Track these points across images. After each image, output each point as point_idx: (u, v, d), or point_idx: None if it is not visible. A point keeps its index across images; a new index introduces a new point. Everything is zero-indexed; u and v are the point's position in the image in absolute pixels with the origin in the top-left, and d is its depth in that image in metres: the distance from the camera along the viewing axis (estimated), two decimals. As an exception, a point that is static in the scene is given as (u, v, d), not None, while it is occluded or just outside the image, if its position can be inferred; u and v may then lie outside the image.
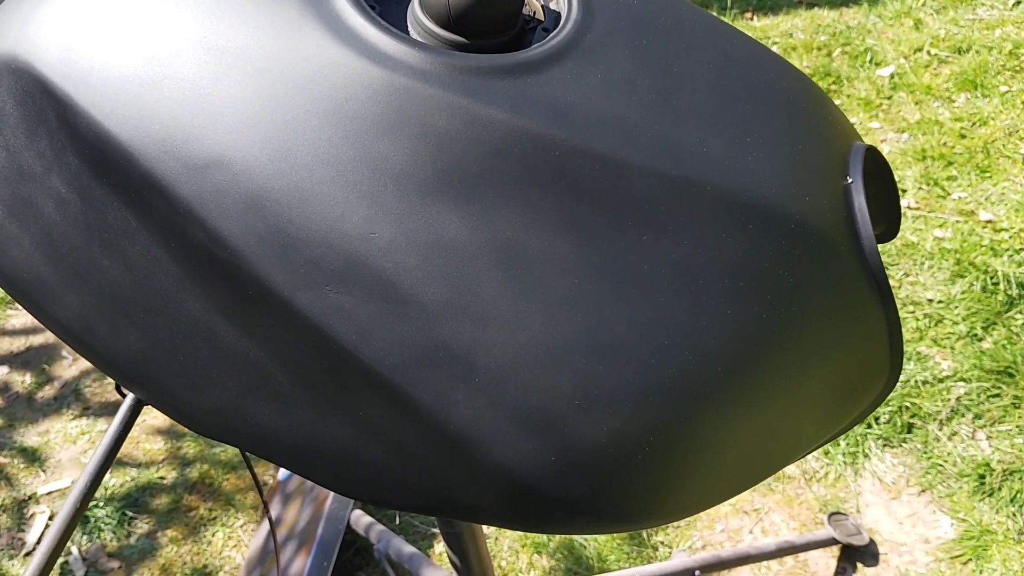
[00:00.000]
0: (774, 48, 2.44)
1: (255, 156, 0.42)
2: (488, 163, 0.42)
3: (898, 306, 1.70)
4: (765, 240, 0.45)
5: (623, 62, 0.46)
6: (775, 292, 0.45)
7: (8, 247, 0.49)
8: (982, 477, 1.43)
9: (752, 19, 2.59)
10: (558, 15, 0.48)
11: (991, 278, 1.69)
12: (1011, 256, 1.73)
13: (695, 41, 0.49)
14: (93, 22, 0.45)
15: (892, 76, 2.28)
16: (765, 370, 0.46)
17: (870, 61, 2.33)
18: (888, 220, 0.58)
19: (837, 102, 2.23)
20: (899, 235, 0.58)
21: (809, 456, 1.49)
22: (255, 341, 0.44)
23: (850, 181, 0.49)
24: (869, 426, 1.51)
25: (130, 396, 0.59)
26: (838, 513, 1.41)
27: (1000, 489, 1.41)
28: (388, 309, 0.41)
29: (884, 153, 2.06)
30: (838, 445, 1.49)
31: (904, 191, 1.93)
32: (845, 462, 1.49)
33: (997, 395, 1.53)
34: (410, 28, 0.47)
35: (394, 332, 0.41)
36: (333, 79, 0.42)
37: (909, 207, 1.89)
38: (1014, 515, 1.38)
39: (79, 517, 0.53)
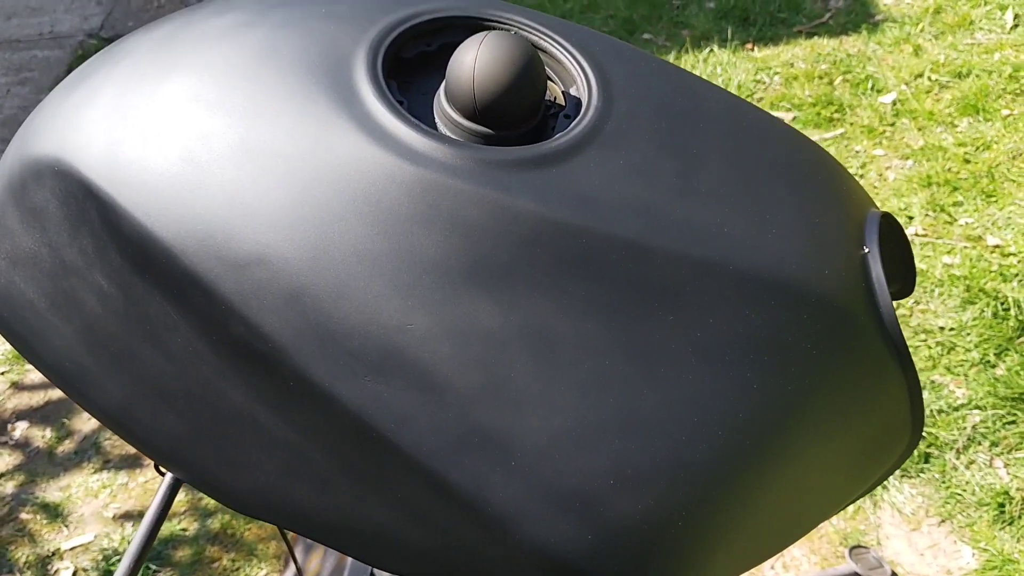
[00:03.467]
0: (776, 77, 2.47)
1: (294, 253, 0.43)
2: (518, 253, 0.44)
3: (910, 335, 1.71)
4: (787, 315, 0.47)
5: (644, 146, 0.48)
6: (799, 364, 0.46)
7: (51, 338, 0.50)
8: (1001, 506, 1.43)
9: (753, 50, 2.62)
10: (578, 101, 0.50)
11: (1002, 304, 1.70)
12: (1021, 281, 1.73)
13: (712, 120, 0.51)
14: (133, 125, 0.47)
15: (894, 103, 2.30)
16: (793, 440, 0.47)
17: (871, 88, 2.35)
18: (902, 277, 0.60)
19: (840, 130, 2.25)
20: (916, 278, 0.59)
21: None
22: (295, 428, 0.45)
23: (867, 251, 0.50)
24: (886, 457, 1.52)
25: (169, 475, 0.60)
26: (859, 546, 1.41)
27: (1020, 517, 1.41)
28: (425, 397, 0.43)
29: (889, 180, 2.08)
30: (856, 477, 1.50)
31: (911, 218, 1.95)
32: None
33: (1013, 422, 1.53)
34: (437, 119, 0.49)
35: (431, 419, 0.43)
36: (366, 177, 0.44)
37: (916, 234, 1.90)
38: (1035, 543, 1.38)
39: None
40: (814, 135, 2.25)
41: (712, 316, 0.45)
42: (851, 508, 1.48)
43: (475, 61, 0.46)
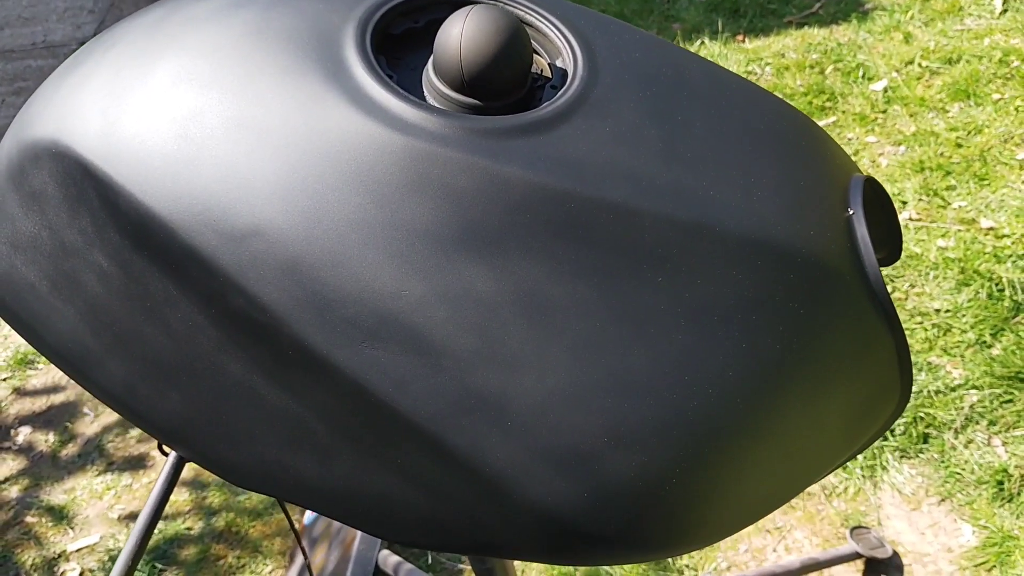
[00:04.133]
0: (767, 68, 2.48)
1: (289, 224, 0.44)
2: (508, 219, 0.45)
3: (906, 317, 1.72)
4: (774, 275, 0.47)
5: (629, 114, 0.49)
6: (787, 324, 0.47)
7: (53, 320, 0.51)
8: (1000, 483, 1.44)
9: (744, 41, 2.63)
10: (564, 72, 0.51)
11: (996, 285, 1.71)
12: (1015, 262, 1.75)
13: (696, 88, 0.52)
14: (128, 105, 0.48)
15: (885, 90, 2.31)
16: (782, 399, 0.48)
17: (863, 76, 2.36)
18: (890, 244, 0.60)
19: (833, 118, 2.26)
20: (903, 247, 0.60)
21: (828, 472, 1.50)
22: (295, 398, 0.46)
23: (851, 212, 0.51)
24: (885, 438, 1.53)
25: (173, 454, 0.61)
26: (860, 527, 1.42)
27: (1019, 494, 1.42)
28: (422, 361, 0.44)
29: (882, 167, 2.09)
30: (856, 459, 1.51)
31: (905, 203, 1.96)
32: (864, 475, 1.51)
33: (1010, 401, 1.54)
34: (426, 93, 0.50)
35: (428, 383, 0.44)
36: (358, 148, 0.45)
37: (911, 218, 1.91)
38: (1035, 519, 1.39)
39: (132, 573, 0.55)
40: (806, 124, 2.25)
41: (700, 278, 0.46)
42: (852, 489, 1.49)
43: (462, 33, 0.47)
